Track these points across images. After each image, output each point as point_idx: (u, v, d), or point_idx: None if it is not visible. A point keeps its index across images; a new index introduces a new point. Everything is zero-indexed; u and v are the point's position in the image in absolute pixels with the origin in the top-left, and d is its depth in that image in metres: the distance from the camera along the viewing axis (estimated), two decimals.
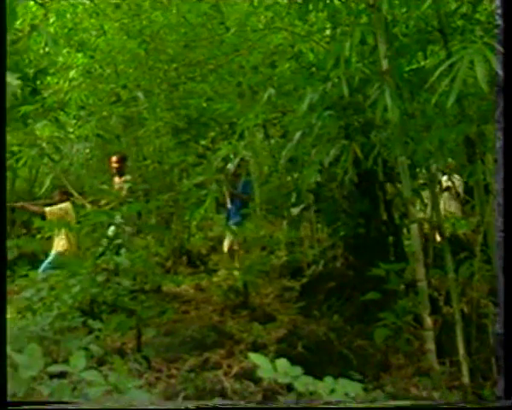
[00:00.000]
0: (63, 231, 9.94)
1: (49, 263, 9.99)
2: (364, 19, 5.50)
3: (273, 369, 3.41)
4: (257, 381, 5.46)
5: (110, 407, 3.67)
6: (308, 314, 7.68)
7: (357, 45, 4.84)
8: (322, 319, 7.39)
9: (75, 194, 11.06)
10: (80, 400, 3.86)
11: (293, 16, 7.37)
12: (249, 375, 5.65)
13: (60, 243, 10.08)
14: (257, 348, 6.43)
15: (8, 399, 3.66)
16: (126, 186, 9.55)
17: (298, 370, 3.44)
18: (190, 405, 3.62)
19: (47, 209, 10.23)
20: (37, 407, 3.45)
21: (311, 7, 5.80)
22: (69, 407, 3.50)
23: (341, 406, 3.51)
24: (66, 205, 10.24)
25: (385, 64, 4.72)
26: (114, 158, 10.07)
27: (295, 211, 11.31)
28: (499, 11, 2.83)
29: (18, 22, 8.14)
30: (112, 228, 9.55)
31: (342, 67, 4.86)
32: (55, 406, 3.47)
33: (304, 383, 3.41)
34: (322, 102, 5.41)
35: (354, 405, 3.40)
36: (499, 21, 2.87)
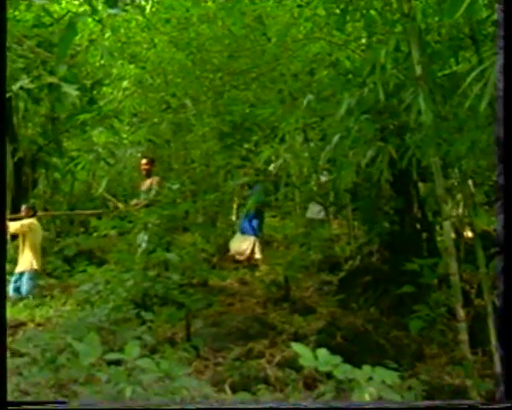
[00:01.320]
0: (30, 247, 9.71)
1: (31, 280, 9.63)
2: (399, 28, 5.46)
3: (314, 358, 3.40)
4: (298, 369, 5.47)
5: (110, 407, 3.65)
6: (346, 307, 7.65)
7: (392, 52, 4.81)
8: (359, 311, 7.36)
9: (108, 196, 11.17)
10: (80, 400, 3.83)
11: (331, 26, 7.33)
12: (291, 363, 5.65)
13: (32, 262, 9.67)
14: (298, 338, 6.42)
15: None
16: (155, 187, 9.60)
17: (337, 359, 3.42)
18: (190, 405, 3.61)
19: (10, 224, 9.71)
20: (38, 407, 3.29)
21: (348, 17, 5.78)
22: (69, 407, 3.41)
23: (342, 406, 3.48)
24: (30, 221, 9.88)
25: (419, 70, 4.68)
26: (144, 160, 10.09)
27: (313, 210, 11.26)
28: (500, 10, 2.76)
29: (77, 38, 8.24)
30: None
31: (378, 74, 4.83)
32: (55, 406, 3.33)
33: (343, 371, 3.39)
34: (358, 107, 5.39)
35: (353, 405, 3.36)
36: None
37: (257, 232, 11.05)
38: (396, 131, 5.73)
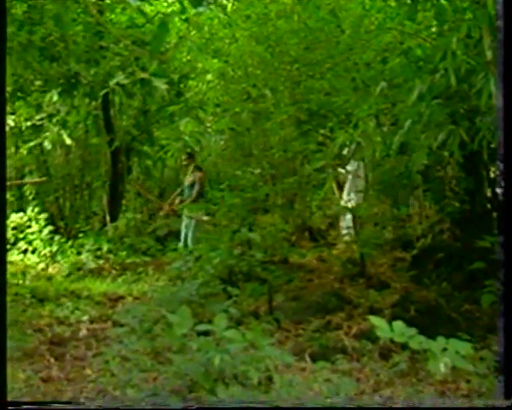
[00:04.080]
0: None
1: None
2: (469, 15, 5.30)
3: (390, 330, 3.38)
4: (374, 340, 5.42)
5: (110, 407, 3.65)
6: (419, 282, 7.53)
7: (463, 39, 4.68)
8: (432, 286, 7.23)
9: (151, 197, 11.29)
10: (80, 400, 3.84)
11: (402, 16, 7.21)
12: (367, 335, 5.62)
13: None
14: (373, 311, 6.37)
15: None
16: (197, 183, 9.70)
17: (412, 330, 3.39)
18: (190, 405, 3.61)
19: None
20: (37, 406, 3.30)
21: (419, 7, 5.66)
22: (69, 407, 3.39)
23: (345, 406, 3.43)
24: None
25: (489, 55, 4.54)
26: (184, 156, 10.17)
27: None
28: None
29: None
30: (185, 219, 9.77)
31: (449, 60, 4.72)
32: (55, 406, 3.37)
33: (418, 342, 3.36)
34: (430, 92, 5.29)
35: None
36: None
37: None
38: (466, 115, 5.59)
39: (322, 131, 10.22)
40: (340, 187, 11.81)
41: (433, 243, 8.24)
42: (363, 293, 7.47)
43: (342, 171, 10.82)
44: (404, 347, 4.62)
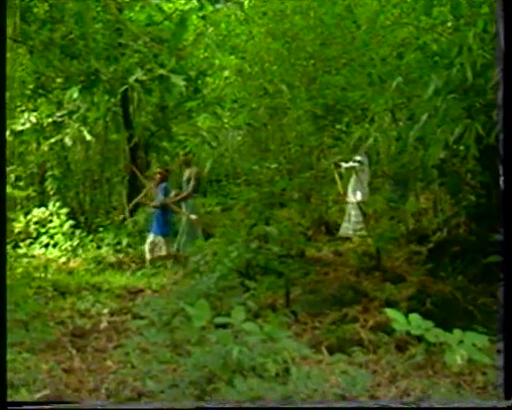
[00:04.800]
0: None
1: None
2: (485, 9, 5.25)
3: (407, 322, 3.38)
4: (390, 333, 5.41)
5: (110, 407, 3.64)
6: (435, 275, 7.47)
7: (480, 33, 4.64)
8: (447, 279, 7.18)
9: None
10: (80, 400, 3.82)
11: (418, 11, 7.16)
12: (383, 328, 5.60)
13: None
14: (389, 304, 6.34)
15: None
16: (193, 176, 9.65)
17: (429, 323, 3.38)
18: (190, 405, 3.60)
19: None
20: (37, 407, 3.34)
21: (435, 2, 5.62)
22: (69, 406, 3.39)
23: (344, 406, 3.41)
24: None
25: None
26: (181, 153, 10.18)
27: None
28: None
29: None
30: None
31: (466, 54, 4.68)
32: (55, 406, 3.36)
33: (434, 334, 3.35)
34: (446, 87, 5.25)
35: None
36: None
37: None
38: (483, 109, 5.54)
39: (338, 126, 10.20)
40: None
41: (448, 237, 8.19)
42: (379, 286, 7.44)
43: (347, 166, 10.80)
44: (421, 339, 4.63)
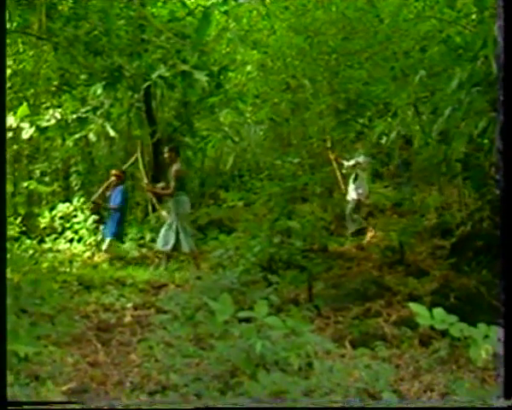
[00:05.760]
0: None
1: None
2: None
3: (430, 317, 3.35)
4: (413, 327, 5.38)
5: (110, 407, 3.63)
6: (459, 270, 7.41)
7: None
8: (471, 273, 7.11)
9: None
10: (80, 400, 3.81)
11: (441, 4, 7.10)
12: (406, 322, 5.58)
13: None
14: (412, 299, 6.30)
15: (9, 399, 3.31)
16: (173, 174, 9.56)
17: (453, 318, 3.35)
18: (190, 405, 3.58)
19: None
20: (38, 407, 3.31)
21: None
22: (69, 406, 3.37)
23: (344, 406, 3.38)
24: None
25: None
26: (166, 148, 10.06)
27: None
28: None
29: None
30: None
31: (490, 47, 4.62)
32: (56, 406, 3.37)
33: (459, 329, 3.32)
34: (470, 80, 5.19)
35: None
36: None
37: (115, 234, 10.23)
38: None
39: (360, 120, 10.17)
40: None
41: (472, 231, 8.10)
42: (402, 280, 7.41)
43: (348, 163, 10.73)
44: (444, 334, 4.59)
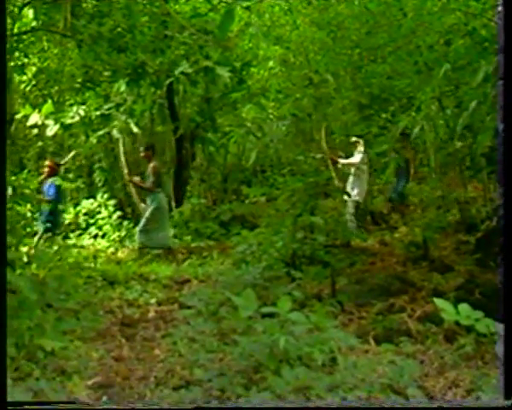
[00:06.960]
0: None
1: None
2: None
3: (456, 312, 3.32)
4: (438, 323, 5.32)
5: (109, 407, 3.63)
6: (484, 265, 7.32)
7: None
8: (497, 269, 7.03)
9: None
10: (80, 400, 3.80)
11: None
12: (431, 318, 5.52)
13: None
14: (437, 294, 6.22)
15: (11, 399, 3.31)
16: (151, 171, 9.59)
17: (479, 313, 3.32)
18: (189, 405, 3.55)
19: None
20: (38, 407, 3.31)
21: None
22: (69, 406, 3.36)
23: (343, 406, 3.34)
24: None
25: None
26: (142, 148, 10.10)
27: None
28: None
29: None
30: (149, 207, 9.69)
31: None
32: (56, 406, 3.33)
33: (485, 324, 3.29)
34: (495, 73, 5.12)
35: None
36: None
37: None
38: None
39: (384, 115, 10.08)
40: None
41: (497, 226, 7.99)
42: (426, 276, 7.33)
43: (346, 162, 10.63)
44: (470, 329, 4.54)
